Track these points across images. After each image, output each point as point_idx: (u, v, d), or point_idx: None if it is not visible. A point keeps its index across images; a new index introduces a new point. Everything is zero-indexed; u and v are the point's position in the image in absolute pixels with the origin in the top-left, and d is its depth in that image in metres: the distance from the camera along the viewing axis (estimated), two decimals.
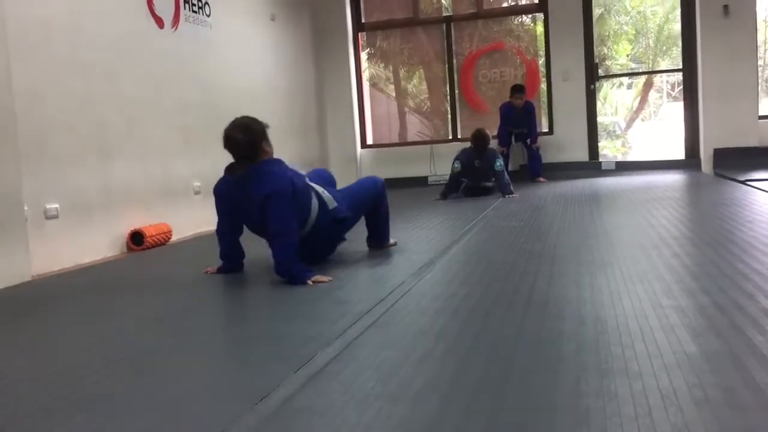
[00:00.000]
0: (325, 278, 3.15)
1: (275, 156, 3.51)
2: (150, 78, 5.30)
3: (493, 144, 8.22)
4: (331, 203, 3.55)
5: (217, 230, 3.58)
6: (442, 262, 3.55)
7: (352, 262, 3.66)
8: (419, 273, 3.25)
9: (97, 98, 4.76)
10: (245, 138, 3.33)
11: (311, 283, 3.08)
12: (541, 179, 8.21)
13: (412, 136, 9.79)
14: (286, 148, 7.84)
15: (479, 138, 7.02)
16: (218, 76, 6.33)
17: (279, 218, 3.20)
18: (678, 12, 9.01)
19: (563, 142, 8.68)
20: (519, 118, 8.24)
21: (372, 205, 3.90)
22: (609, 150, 14.18)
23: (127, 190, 4.99)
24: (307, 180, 3.56)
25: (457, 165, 7.02)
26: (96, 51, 4.76)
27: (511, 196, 6.60)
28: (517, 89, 8.21)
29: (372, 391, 1.75)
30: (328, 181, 4.03)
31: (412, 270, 3.33)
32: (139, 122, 5.11)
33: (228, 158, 3.41)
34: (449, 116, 9.34)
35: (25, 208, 3.97)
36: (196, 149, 5.77)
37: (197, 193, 5.75)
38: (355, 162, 9.23)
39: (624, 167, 8.77)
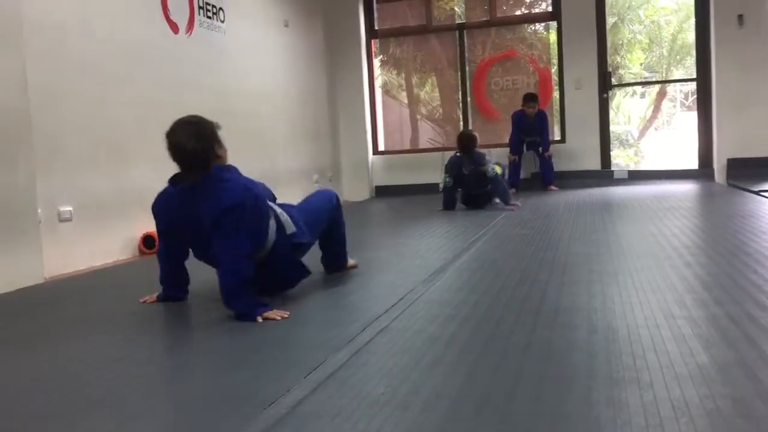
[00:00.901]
0: (279, 314, 2.64)
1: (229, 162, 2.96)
2: (164, 82, 5.34)
3: (504, 153, 8.25)
4: (290, 227, 3.01)
5: (158, 253, 3.08)
6: (452, 269, 3.54)
7: (362, 269, 3.66)
8: (430, 280, 3.25)
9: (111, 102, 4.79)
10: (197, 146, 2.73)
11: (261, 320, 2.60)
12: (553, 187, 8.19)
13: (423, 143, 9.80)
14: (299, 154, 7.89)
15: (464, 139, 6.46)
16: (231, 81, 6.36)
17: (231, 237, 2.67)
18: (692, 21, 8.99)
19: (575, 151, 8.66)
20: (531, 127, 8.23)
21: (327, 224, 3.38)
22: (621, 159, 14.13)
23: (140, 194, 5.00)
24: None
25: (448, 180, 6.41)
26: (111, 55, 4.79)
27: (511, 205, 6.18)
28: (530, 98, 8.20)
29: (381, 397, 1.75)
30: (270, 198, 3.36)
31: (422, 277, 3.32)
32: (153, 126, 5.11)
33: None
34: (461, 123, 9.33)
35: (39, 210, 4.00)
36: None
37: None
38: (367, 168, 9.24)
39: (636, 176, 8.73)
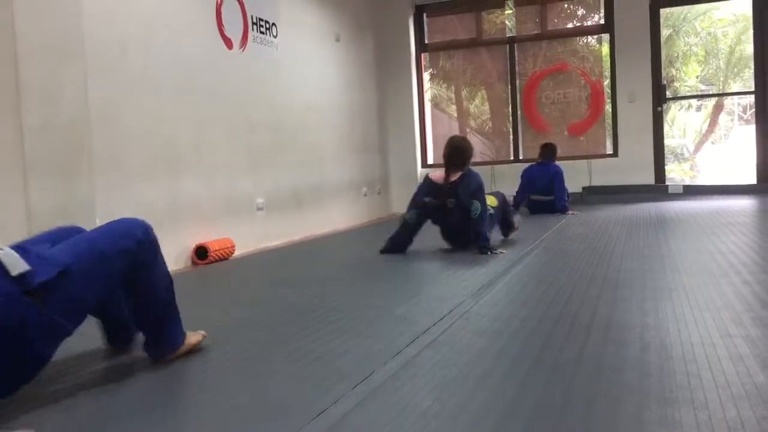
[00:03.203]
0: None
1: None
2: (218, 97, 5.45)
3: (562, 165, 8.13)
4: (18, 266, 1.84)
5: None
6: (501, 283, 3.52)
7: (411, 281, 3.66)
8: (478, 294, 3.23)
9: (168, 116, 4.91)
10: None
11: None
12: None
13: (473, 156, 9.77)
14: (348, 167, 7.95)
15: (453, 149, 4.76)
16: (283, 96, 6.46)
17: None
18: (751, 33, 8.77)
19: (628, 165, 8.52)
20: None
21: (125, 267, 2.12)
22: (676, 173, 13.86)
23: (194, 206, 5.11)
24: None
25: (410, 216, 4.74)
26: (168, 70, 4.92)
27: (492, 253, 4.42)
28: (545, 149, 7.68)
29: (430, 410, 1.74)
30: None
31: (471, 290, 3.31)
32: (207, 140, 5.25)
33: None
34: (511, 137, 9.29)
35: (97, 221, 4.11)
36: (260, 166, 5.89)
37: (260, 209, 5.86)
38: (416, 181, 9.25)
39: (692, 191, 8.54)
